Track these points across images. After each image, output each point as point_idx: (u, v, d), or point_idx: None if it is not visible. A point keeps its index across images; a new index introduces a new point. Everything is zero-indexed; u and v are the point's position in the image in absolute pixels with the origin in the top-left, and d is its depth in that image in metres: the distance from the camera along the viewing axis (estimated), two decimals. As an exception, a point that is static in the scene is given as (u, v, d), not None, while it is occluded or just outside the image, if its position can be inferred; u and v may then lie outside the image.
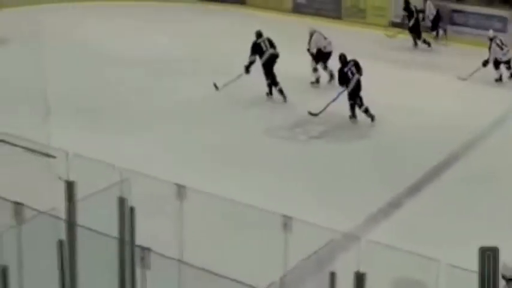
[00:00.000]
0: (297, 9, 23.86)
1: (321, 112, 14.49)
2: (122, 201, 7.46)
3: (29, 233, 7.43)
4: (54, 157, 7.30)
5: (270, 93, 16.02)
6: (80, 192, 7.35)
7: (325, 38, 17.14)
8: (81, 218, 7.33)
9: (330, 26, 20.87)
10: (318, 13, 22.57)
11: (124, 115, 14.79)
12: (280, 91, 15.83)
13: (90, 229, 7.18)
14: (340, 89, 14.71)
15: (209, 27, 21.80)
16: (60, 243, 7.19)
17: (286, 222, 7.65)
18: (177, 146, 13.21)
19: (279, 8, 23.98)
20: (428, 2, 21.29)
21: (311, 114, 14.56)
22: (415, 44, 20.69)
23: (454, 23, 21.29)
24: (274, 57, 15.85)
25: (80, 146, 10.93)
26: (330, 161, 12.84)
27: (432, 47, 20.53)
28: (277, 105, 15.46)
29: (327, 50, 16.96)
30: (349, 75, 14.59)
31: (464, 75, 17.53)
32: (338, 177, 12.18)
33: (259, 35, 16.09)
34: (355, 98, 14.56)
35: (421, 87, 16.84)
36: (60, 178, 7.26)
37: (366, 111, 14.51)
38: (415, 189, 11.78)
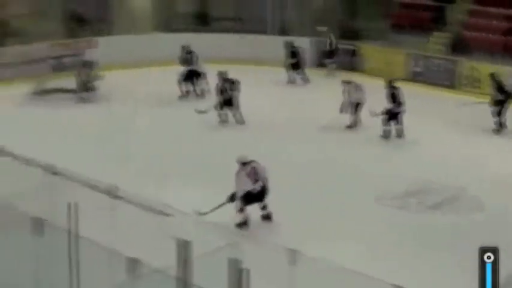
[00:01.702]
0: (412, 78, 23.82)
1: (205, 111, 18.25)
2: (233, 263, 7.48)
3: (143, 289, 7.55)
4: (171, 215, 7.40)
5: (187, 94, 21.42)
6: (194, 252, 7.40)
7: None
8: (194, 278, 7.38)
9: (444, 94, 20.82)
10: (431, 82, 22.41)
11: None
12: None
13: (202, 289, 7.23)
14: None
15: (319, 92, 22.01)
16: (173, 301, 7.26)
17: (397, 293, 7.52)
18: (288, 211, 13.13)
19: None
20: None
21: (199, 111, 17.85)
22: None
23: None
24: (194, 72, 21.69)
25: (197, 206, 11.12)
26: (446, 234, 12.55)
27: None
28: (385, 172, 15.31)
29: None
30: (222, 88, 18.68)
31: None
32: (453, 250, 11.88)
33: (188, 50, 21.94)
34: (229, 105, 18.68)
35: None
36: (175, 236, 7.34)
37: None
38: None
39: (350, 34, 26.80)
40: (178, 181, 13.55)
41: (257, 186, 12.69)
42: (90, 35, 25.71)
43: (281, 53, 24.29)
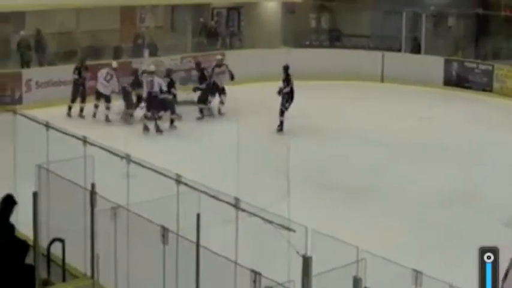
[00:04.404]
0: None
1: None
2: (356, 281, 7.37)
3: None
4: (293, 231, 7.32)
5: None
6: (316, 268, 7.32)
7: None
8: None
9: None
10: None
11: (366, 195, 14.91)
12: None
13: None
14: None
15: (453, 113, 21.53)
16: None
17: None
18: (417, 232, 12.99)
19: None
20: None
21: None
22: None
23: None
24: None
25: (320, 222, 10.98)
26: None
27: None
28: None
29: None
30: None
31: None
32: None
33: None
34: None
35: None
36: (297, 252, 7.27)
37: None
38: None
39: (486, 54, 26.27)
40: (301, 196, 13.46)
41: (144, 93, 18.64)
42: (221, 49, 26.08)
43: (409, 70, 24.04)
